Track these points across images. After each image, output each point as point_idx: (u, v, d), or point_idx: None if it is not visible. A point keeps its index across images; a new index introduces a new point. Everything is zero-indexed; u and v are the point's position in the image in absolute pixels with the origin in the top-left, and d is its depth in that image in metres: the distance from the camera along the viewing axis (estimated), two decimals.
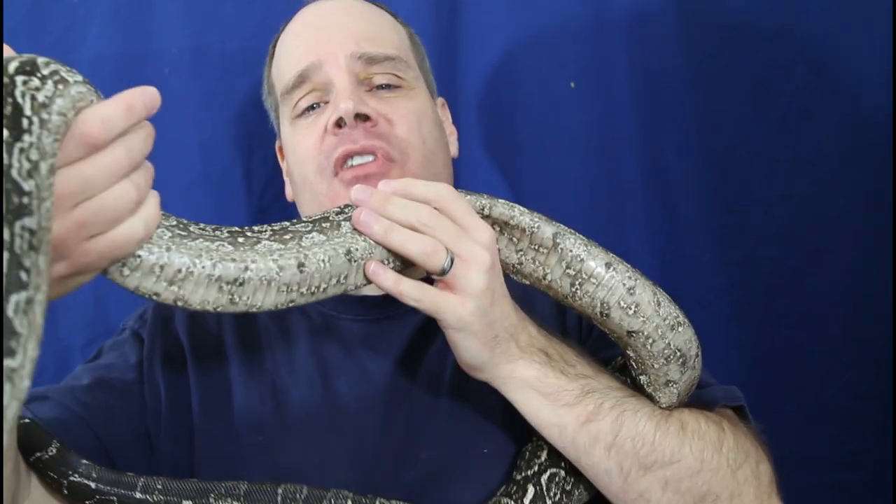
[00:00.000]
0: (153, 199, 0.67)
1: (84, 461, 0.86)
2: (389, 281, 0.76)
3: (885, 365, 1.24)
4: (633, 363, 0.87)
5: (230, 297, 0.71)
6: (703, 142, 1.30)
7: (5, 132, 0.52)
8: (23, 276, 0.48)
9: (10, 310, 0.46)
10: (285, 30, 1.12)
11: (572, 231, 0.84)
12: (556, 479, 0.89)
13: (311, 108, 1.04)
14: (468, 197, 0.83)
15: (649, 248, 1.32)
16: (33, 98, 0.56)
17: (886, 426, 1.24)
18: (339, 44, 1.03)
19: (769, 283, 1.29)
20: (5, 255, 0.47)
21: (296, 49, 1.06)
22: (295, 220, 0.78)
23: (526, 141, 1.35)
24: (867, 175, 1.25)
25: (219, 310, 0.72)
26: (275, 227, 0.76)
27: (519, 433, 0.93)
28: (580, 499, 0.91)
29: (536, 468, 0.89)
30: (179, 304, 0.70)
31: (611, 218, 1.33)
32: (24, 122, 0.54)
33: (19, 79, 0.56)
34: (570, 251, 0.82)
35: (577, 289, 0.82)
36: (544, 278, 0.83)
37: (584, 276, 0.82)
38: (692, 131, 1.30)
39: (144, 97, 0.64)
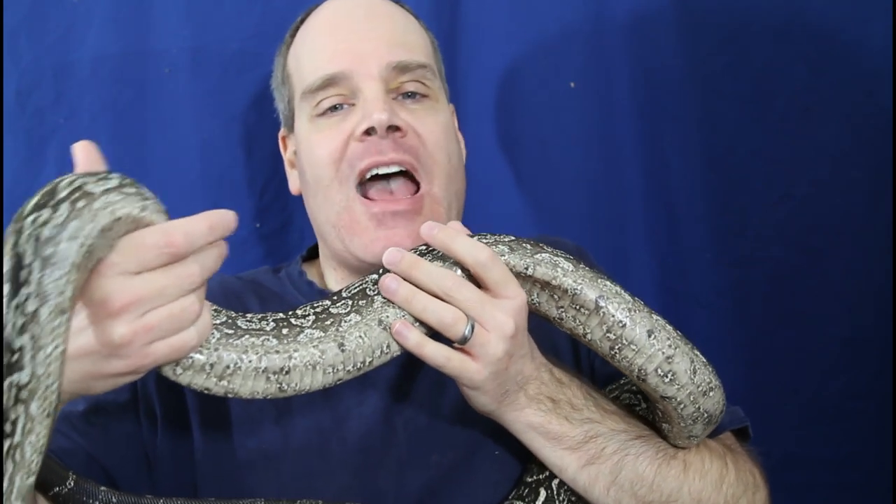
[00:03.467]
0: (207, 311, 0.71)
1: (103, 488, 0.88)
2: (412, 342, 0.79)
3: (885, 365, 1.24)
4: (660, 413, 0.88)
5: (278, 385, 0.76)
6: (703, 142, 1.30)
7: (6, 287, 0.55)
8: (7, 427, 0.54)
9: None
10: (309, 22, 1.09)
11: (618, 291, 0.82)
12: (566, 487, 0.89)
13: (334, 108, 1.01)
14: (511, 255, 0.82)
15: (649, 248, 1.32)
16: (37, 239, 0.57)
17: (886, 426, 1.24)
18: (372, 51, 1.00)
19: (769, 283, 1.29)
20: None
21: (324, 49, 1.03)
22: (336, 298, 0.82)
23: (526, 141, 1.35)
24: (867, 175, 1.26)
25: (269, 397, 0.76)
26: (317, 310, 0.80)
27: None
28: None
29: (548, 472, 0.90)
30: (230, 395, 0.75)
31: (611, 218, 1.33)
32: (23, 275, 0.56)
33: (29, 219, 0.57)
34: (613, 316, 0.81)
35: (615, 352, 0.82)
36: (584, 336, 0.84)
37: (623, 342, 0.81)
38: (692, 131, 1.30)
39: (226, 219, 0.69)
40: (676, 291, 1.30)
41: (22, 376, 0.55)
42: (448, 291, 0.78)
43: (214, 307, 0.76)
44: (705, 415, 0.85)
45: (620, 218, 1.33)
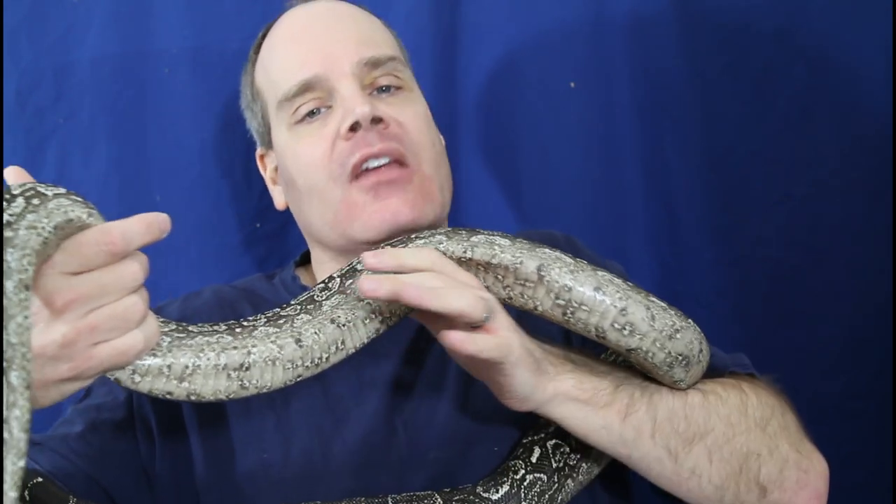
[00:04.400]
0: (152, 317, 0.71)
1: None
2: (469, 344, 0.77)
3: (885, 365, 1.24)
4: (639, 368, 0.88)
5: (240, 382, 0.77)
6: (703, 142, 1.30)
7: None
8: None
9: None
10: (272, 36, 1.10)
11: (558, 255, 0.83)
12: (562, 449, 0.91)
13: (312, 113, 1.02)
14: (448, 243, 0.84)
15: (649, 248, 1.32)
16: None
17: (886, 426, 1.24)
18: (342, 51, 1.02)
19: (769, 283, 1.29)
20: None
21: (294, 57, 1.04)
22: (284, 305, 0.84)
23: (526, 141, 1.35)
24: (867, 175, 1.25)
25: (231, 397, 0.77)
26: (267, 314, 0.82)
27: (527, 428, 0.93)
28: (584, 474, 0.92)
29: (543, 433, 0.91)
30: (193, 398, 0.76)
31: (611, 218, 1.33)
32: None
33: None
34: (557, 282, 0.82)
35: (569, 317, 0.83)
36: (535, 309, 0.84)
37: (573, 304, 0.82)
38: (692, 131, 1.30)
39: (160, 220, 0.68)
40: (676, 291, 1.30)
41: None
42: (437, 286, 0.78)
43: (162, 318, 0.76)
44: (679, 357, 0.84)
45: (620, 218, 1.32)
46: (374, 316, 0.83)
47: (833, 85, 1.26)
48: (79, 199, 0.65)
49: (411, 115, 1.03)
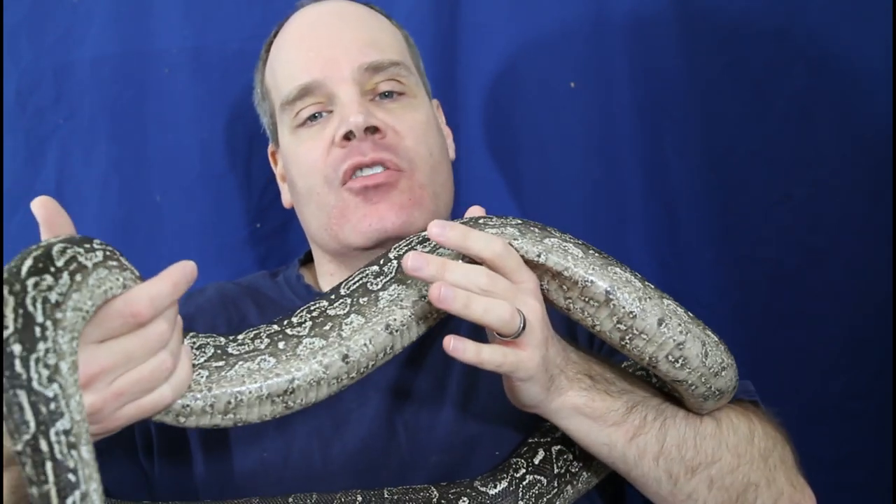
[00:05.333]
0: (184, 362, 0.70)
1: None
2: (471, 353, 0.75)
3: (885, 365, 1.24)
4: (672, 391, 0.88)
5: (285, 405, 0.75)
6: (703, 142, 1.30)
7: (17, 347, 0.54)
8: (71, 477, 0.53)
9: None
10: (281, 35, 1.10)
11: (628, 278, 0.80)
12: (565, 456, 0.90)
13: (313, 117, 1.03)
14: (522, 240, 0.80)
15: (649, 248, 1.32)
16: (45, 301, 0.57)
17: (886, 426, 1.23)
18: (344, 56, 1.02)
19: (769, 283, 1.29)
20: (48, 465, 0.52)
21: (297, 60, 1.05)
22: (333, 296, 0.79)
23: (526, 141, 1.35)
24: (867, 175, 1.25)
25: (278, 416, 0.76)
26: (313, 313, 0.77)
27: (530, 433, 0.93)
28: (584, 483, 0.92)
29: (550, 437, 0.91)
30: (240, 424, 0.74)
31: (611, 218, 1.32)
32: (37, 331, 0.56)
33: (30, 282, 0.57)
34: (623, 308, 0.79)
35: (626, 342, 0.81)
36: (592, 327, 0.82)
37: (634, 332, 0.79)
38: (692, 131, 1.30)
39: (186, 272, 0.68)
40: (676, 291, 1.29)
41: (64, 423, 0.54)
42: (485, 287, 0.76)
43: (199, 341, 0.74)
44: (717, 393, 0.85)
45: (620, 218, 1.32)
46: (430, 315, 0.79)
47: (833, 85, 1.26)
48: (115, 263, 0.64)
49: (409, 122, 1.02)
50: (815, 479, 1.27)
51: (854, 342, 1.26)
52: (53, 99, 1.33)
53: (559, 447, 0.90)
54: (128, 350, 0.64)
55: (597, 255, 0.81)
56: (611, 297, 0.79)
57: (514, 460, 0.90)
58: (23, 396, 0.53)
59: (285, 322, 0.78)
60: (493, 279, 0.76)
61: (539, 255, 0.79)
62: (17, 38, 1.33)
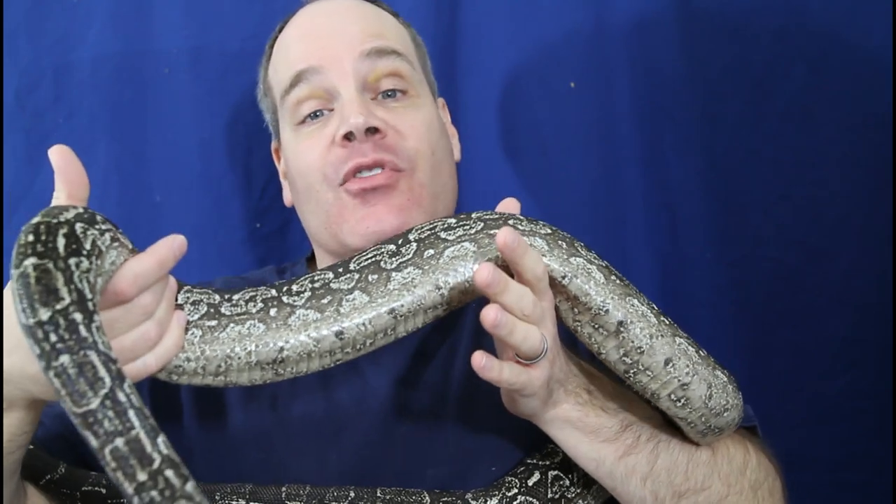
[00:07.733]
0: (174, 331, 0.70)
1: (93, 472, 0.88)
2: (496, 373, 0.75)
3: (885, 365, 1.24)
4: (671, 420, 0.86)
5: (274, 372, 0.74)
6: (703, 142, 1.30)
7: (79, 315, 0.58)
8: (152, 421, 0.57)
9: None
10: (283, 31, 1.10)
11: (644, 312, 0.78)
12: (561, 482, 0.89)
13: (314, 115, 1.02)
14: (550, 258, 0.77)
15: (649, 248, 1.32)
16: (87, 280, 0.61)
17: (886, 426, 1.24)
18: (344, 47, 1.01)
19: (769, 283, 1.29)
20: (130, 413, 0.56)
21: (296, 51, 1.04)
22: (341, 269, 0.77)
23: (526, 141, 1.35)
24: (867, 175, 1.25)
25: (268, 382, 0.75)
26: (316, 283, 0.76)
27: (528, 450, 0.93)
28: None
29: (549, 461, 0.90)
30: (231, 386, 0.75)
31: (611, 218, 1.32)
32: (90, 305, 0.60)
33: (72, 262, 0.61)
34: (632, 342, 0.77)
35: (630, 375, 0.80)
36: (598, 354, 0.80)
37: (640, 367, 0.78)
38: (692, 131, 1.30)
39: (174, 248, 0.68)
40: (676, 291, 1.30)
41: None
42: (528, 313, 0.75)
43: (194, 297, 0.74)
44: (716, 430, 0.84)
45: (620, 218, 1.32)
46: (440, 306, 0.77)
47: (833, 85, 1.26)
48: (117, 243, 0.67)
49: (411, 122, 1.01)
50: (815, 479, 1.27)
51: (854, 342, 1.26)
52: (53, 99, 1.33)
53: (556, 472, 0.89)
54: (109, 320, 0.65)
55: (618, 282, 0.79)
56: (622, 329, 0.77)
57: (509, 479, 0.89)
58: (93, 356, 0.56)
59: (284, 288, 0.76)
60: (535, 305, 0.76)
61: (564, 277, 0.77)
62: (17, 38, 1.33)
